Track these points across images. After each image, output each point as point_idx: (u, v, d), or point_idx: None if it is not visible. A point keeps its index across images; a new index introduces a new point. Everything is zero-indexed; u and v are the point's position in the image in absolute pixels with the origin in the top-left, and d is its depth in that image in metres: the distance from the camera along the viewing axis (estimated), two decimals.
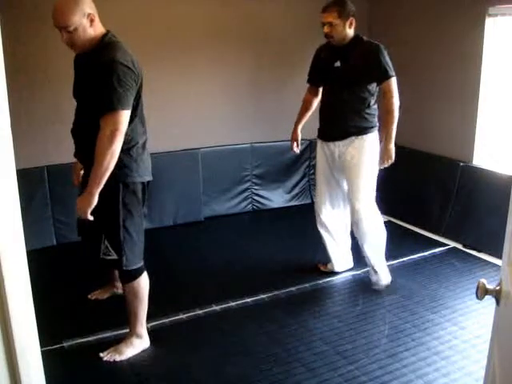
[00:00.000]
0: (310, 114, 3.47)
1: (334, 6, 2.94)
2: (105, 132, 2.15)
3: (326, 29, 2.97)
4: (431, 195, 4.33)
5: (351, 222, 3.27)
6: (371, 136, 3.10)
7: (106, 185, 2.24)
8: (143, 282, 2.52)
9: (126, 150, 2.30)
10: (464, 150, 4.10)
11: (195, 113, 4.35)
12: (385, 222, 4.46)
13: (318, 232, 3.39)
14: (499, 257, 1.47)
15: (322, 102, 3.26)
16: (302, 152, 4.87)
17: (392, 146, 3.03)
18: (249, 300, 3.16)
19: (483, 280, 1.32)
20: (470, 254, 3.81)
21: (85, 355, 2.58)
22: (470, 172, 4.01)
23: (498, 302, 1.32)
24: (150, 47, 3.94)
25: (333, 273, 3.47)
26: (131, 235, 2.40)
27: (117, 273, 2.89)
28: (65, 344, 2.67)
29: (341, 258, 3.45)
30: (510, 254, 1.28)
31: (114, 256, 2.40)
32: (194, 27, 4.18)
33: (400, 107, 3.03)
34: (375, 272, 3.24)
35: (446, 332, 2.81)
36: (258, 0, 4.38)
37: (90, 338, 2.72)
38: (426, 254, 3.84)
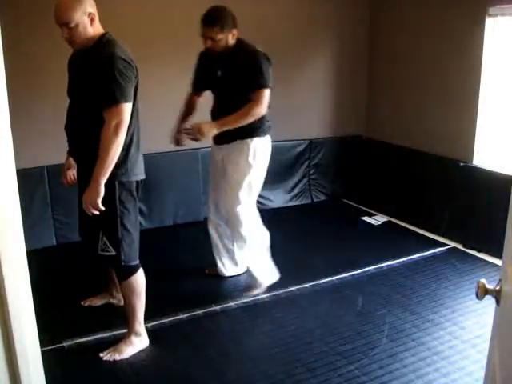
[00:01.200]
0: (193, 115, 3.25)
1: (217, 21, 2.83)
2: (110, 124, 2.21)
3: (209, 43, 2.88)
4: (431, 195, 4.33)
5: (228, 225, 3.17)
6: (256, 140, 2.99)
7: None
8: (140, 279, 2.55)
9: (122, 149, 2.32)
10: (464, 150, 4.10)
11: (195, 113, 4.35)
12: (385, 222, 4.50)
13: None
14: (499, 257, 1.47)
15: (212, 105, 3.13)
16: (302, 152, 4.88)
17: (213, 130, 2.83)
18: (249, 300, 3.16)
19: (483, 280, 1.32)
20: (470, 254, 3.81)
21: (85, 355, 2.58)
22: (470, 172, 4.01)
23: (497, 302, 1.32)
24: (150, 47, 3.94)
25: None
26: (129, 231, 2.45)
27: (116, 280, 2.90)
28: (65, 344, 2.67)
29: (227, 263, 3.37)
30: (510, 254, 1.28)
31: (113, 252, 2.45)
32: (195, 26, 4.17)
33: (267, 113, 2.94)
34: (253, 275, 3.15)
35: (445, 332, 2.81)
36: (258, 0, 4.38)
37: (89, 338, 2.72)
38: (425, 254, 3.84)
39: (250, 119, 2.84)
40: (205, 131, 2.81)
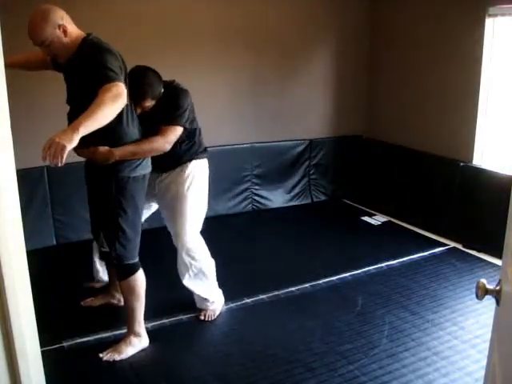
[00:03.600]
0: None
1: (147, 92, 2.60)
2: (110, 91, 2.03)
3: (139, 111, 2.61)
4: (431, 195, 4.33)
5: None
6: (194, 164, 2.82)
7: (100, 180, 2.36)
8: (139, 280, 2.56)
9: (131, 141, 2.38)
10: (464, 150, 4.10)
11: (195, 113, 4.35)
12: (385, 222, 4.50)
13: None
14: (499, 257, 1.47)
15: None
16: (302, 152, 4.88)
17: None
18: (249, 300, 3.16)
19: (483, 280, 1.32)
20: (470, 254, 3.81)
21: (85, 355, 2.58)
22: (470, 172, 4.01)
23: (497, 302, 1.32)
24: (150, 47, 3.94)
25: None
26: (124, 230, 2.44)
27: (116, 280, 2.91)
28: (65, 344, 2.67)
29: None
30: (510, 254, 1.28)
31: (107, 249, 2.48)
32: (195, 27, 4.18)
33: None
34: (209, 301, 2.95)
35: (445, 332, 2.81)
36: (258, 0, 4.38)
37: (89, 338, 2.72)
38: (425, 253, 3.84)
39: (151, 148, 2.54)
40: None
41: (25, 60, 2.68)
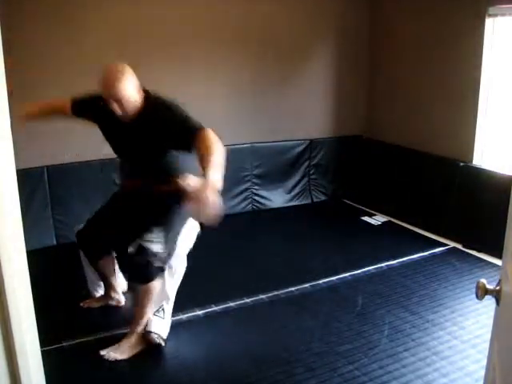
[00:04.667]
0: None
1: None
2: (209, 138, 2.23)
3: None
4: (431, 195, 4.33)
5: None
6: None
7: (163, 200, 2.50)
8: (158, 285, 2.61)
9: None
10: (464, 150, 4.10)
11: (195, 113, 4.33)
12: (385, 222, 4.50)
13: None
14: (499, 257, 1.47)
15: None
16: (302, 152, 4.88)
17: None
18: (249, 300, 3.16)
19: (483, 280, 1.32)
20: (470, 254, 3.81)
21: (85, 355, 2.58)
22: (470, 172, 4.01)
23: (497, 302, 1.32)
24: (151, 47, 3.95)
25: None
26: (175, 242, 2.60)
27: (117, 282, 2.98)
28: (65, 344, 2.67)
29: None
30: (510, 254, 1.28)
31: (160, 250, 2.50)
32: (195, 27, 4.18)
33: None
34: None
35: (445, 332, 2.81)
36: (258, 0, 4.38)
37: (89, 338, 2.71)
38: (425, 253, 3.84)
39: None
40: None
41: (50, 113, 2.85)
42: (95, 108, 2.49)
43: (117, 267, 2.87)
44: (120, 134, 2.51)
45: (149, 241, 2.49)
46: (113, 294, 3.00)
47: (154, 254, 2.49)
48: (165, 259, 2.57)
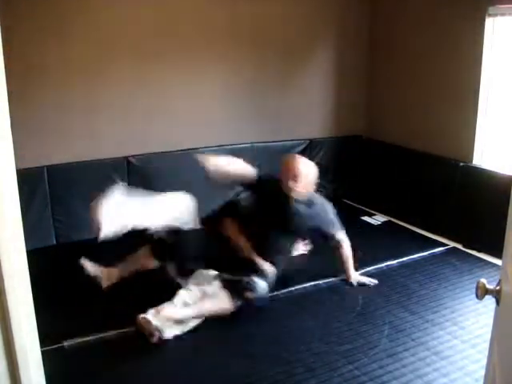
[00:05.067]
0: None
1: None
2: (347, 243, 3.33)
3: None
4: (431, 195, 4.33)
5: None
6: None
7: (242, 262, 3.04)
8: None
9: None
10: (464, 150, 4.10)
11: (195, 113, 4.35)
12: (385, 222, 4.50)
13: None
14: (499, 257, 1.47)
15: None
16: (302, 152, 4.87)
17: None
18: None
19: (483, 280, 1.32)
20: (470, 254, 3.81)
21: (85, 355, 2.58)
22: (470, 172, 4.01)
23: (497, 302, 1.32)
24: (151, 48, 3.95)
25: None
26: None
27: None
28: (65, 344, 2.67)
29: None
30: (510, 254, 1.28)
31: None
32: (195, 27, 4.18)
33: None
34: None
35: (445, 332, 2.81)
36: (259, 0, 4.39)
37: (89, 338, 2.72)
38: (425, 253, 3.84)
39: None
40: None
41: (234, 178, 3.39)
42: (269, 189, 3.14)
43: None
44: (278, 210, 3.08)
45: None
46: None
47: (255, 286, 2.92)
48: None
